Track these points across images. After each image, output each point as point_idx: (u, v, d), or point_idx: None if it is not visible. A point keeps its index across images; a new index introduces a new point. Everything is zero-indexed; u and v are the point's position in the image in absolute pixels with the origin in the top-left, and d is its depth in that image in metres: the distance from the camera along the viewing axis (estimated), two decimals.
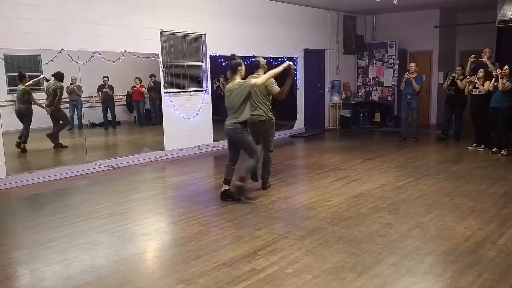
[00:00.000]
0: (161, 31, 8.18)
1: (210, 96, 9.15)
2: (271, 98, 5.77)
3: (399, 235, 4.19)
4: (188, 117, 8.75)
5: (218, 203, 5.42)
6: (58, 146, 7.66)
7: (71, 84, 7.60)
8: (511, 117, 7.79)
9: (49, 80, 7.41)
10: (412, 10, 12.18)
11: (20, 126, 7.14)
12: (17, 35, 6.37)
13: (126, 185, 6.42)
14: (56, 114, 7.52)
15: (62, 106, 7.61)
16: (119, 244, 4.17)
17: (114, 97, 8.77)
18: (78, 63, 7.02)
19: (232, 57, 5.50)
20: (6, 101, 6.88)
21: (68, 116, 7.85)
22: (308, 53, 11.39)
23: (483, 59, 8.47)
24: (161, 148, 8.43)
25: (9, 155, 6.47)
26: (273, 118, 5.79)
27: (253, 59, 5.80)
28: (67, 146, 7.79)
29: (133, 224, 4.71)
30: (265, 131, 5.74)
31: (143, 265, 3.73)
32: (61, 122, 7.73)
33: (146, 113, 9.31)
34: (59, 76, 7.32)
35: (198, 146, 8.99)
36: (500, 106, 7.71)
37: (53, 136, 7.58)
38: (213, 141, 9.28)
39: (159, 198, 5.84)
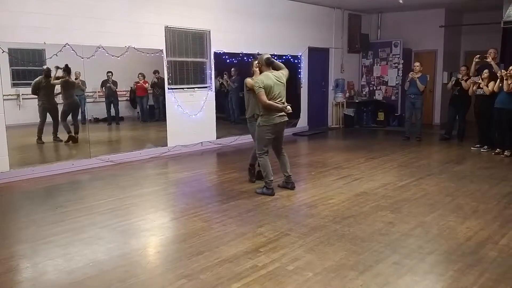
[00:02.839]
0: (166, 27, 8.18)
1: (214, 93, 9.15)
2: None
3: (401, 234, 4.19)
4: (191, 114, 8.75)
5: (220, 199, 5.43)
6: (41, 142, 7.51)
7: (76, 79, 7.61)
8: None
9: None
10: (418, 10, 12.15)
11: (24, 120, 7.19)
12: (22, 29, 6.39)
13: (128, 181, 6.43)
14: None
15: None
16: (121, 239, 4.18)
17: (118, 93, 8.78)
18: (82, 58, 7.03)
19: None
20: (10, 95, 6.89)
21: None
22: (312, 51, 11.37)
23: (487, 60, 8.43)
24: (164, 144, 8.44)
25: (12, 149, 6.49)
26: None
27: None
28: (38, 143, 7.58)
29: (136, 220, 4.72)
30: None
31: (145, 260, 3.74)
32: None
33: (149, 109, 9.31)
34: (46, 72, 7.15)
35: (201, 142, 8.99)
36: (505, 107, 7.68)
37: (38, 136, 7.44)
38: (216, 138, 9.28)
39: (162, 194, 5.84)
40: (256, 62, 5.84)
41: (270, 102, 5.36)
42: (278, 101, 5.43)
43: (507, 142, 7.89)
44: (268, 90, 5.34)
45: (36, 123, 7.27)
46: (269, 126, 5.47)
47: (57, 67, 7.24)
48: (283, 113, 5.50)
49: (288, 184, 5.83)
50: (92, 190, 5.99)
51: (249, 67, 6.34)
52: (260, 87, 5.32)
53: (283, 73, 5.58)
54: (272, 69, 5.54)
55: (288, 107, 5.51)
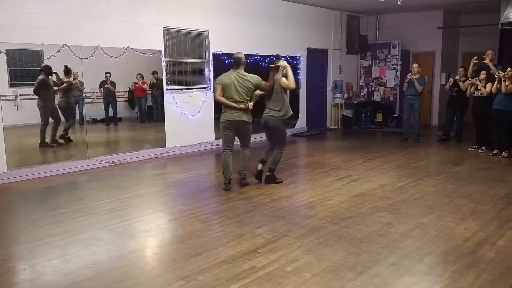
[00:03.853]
0: (164, 28, 8.18)
1: (212, 94, 9.14)
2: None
3: (399, 235, 4.19)
4: (190, 114, 8.75)
5: (219, 200, 5.43)
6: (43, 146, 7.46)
7: (74, 79, 7.60)
8: None
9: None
10: (416, 11, 12.17)
11: (22, 121, 7.19)
12: (20, 29, 6.37)
13: (127, 182, 6.43)
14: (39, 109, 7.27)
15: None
16: (119, 240, 4.18)
17: (116, 93, 8.77)
18: (81, 59, 7.02)
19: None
20: (7, 95, 6.88)
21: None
22: (311, 52, 11.38)
23: (485, 61, 8.46)
24: (163, 145, 8.43)
25: (9, 150, 6.47)
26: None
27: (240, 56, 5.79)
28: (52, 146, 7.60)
29: (134, 221, 4.71)
30: (249, 130, 5.92)
31: (143, 262, 3.74)
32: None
33: (148, 109, 9.30)
34: (44, 70, 7.09)
35: (199, 143, 8.99)
36: (502, 108, 7.70)
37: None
38: (215, 139, 9.27)
39: (160, 195, 5.84)
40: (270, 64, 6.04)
41: (220, 98, 5.68)
42: (233, 100, 5.60)
43: (505, 143, 7.91)
44: (224, 88, 5.63)
45: (34, 124, 7.25)
46: (224, 122, 5.79)
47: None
48: (237, 112, 5.66)
49: (240, 181, 6.02)
50: (90, 191, 5.98)
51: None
52: (217, 83, 5.71)
53: (253, 79, 5.68)
54: (243, 70, 5.73)
55: (248, 105, 5.63)
